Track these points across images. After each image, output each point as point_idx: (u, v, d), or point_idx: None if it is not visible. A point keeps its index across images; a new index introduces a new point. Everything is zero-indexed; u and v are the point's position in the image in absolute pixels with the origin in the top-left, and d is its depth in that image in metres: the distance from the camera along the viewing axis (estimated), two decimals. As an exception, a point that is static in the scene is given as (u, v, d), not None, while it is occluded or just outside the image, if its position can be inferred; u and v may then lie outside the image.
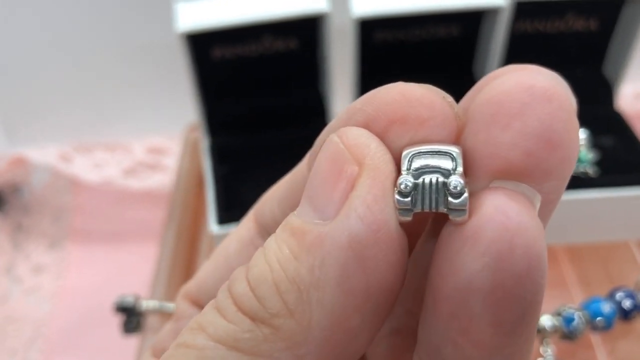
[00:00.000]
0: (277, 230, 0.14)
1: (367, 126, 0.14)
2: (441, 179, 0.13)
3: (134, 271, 0.51)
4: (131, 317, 0.39)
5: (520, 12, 0.42)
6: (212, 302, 0.15)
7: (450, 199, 0.13)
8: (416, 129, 0.13)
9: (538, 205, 0.13)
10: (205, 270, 0.19)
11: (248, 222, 0.19)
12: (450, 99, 0.14)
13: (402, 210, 0.13)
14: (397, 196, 0.13)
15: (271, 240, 0.14)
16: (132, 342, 0.41)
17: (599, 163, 0.42)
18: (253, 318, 0.13)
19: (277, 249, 0.14)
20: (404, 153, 0.14)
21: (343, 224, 0.13)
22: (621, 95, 0.47)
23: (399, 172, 0.14)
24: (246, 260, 0.17)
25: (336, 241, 0.13)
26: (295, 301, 0.13)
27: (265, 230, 0.18)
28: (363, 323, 0.13)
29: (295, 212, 0.14)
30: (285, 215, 0.15)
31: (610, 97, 0.46)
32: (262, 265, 0.14)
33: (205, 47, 0.42)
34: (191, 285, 0.20)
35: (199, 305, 0.19)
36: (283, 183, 0.17)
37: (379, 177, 0.13)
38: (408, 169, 0.13)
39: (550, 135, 0.12)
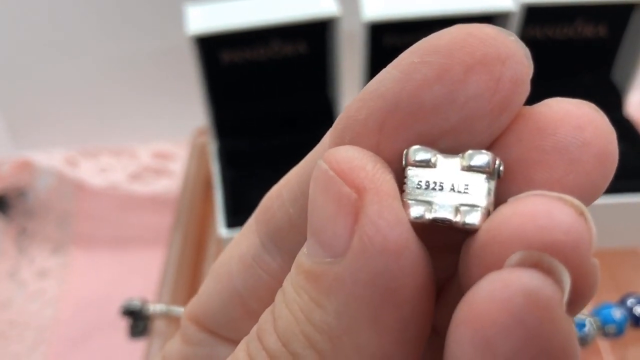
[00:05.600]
0: (292, 272, 0.13)
1: (439, 78, 0.12)
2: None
3: (138, 277, 0.51)
4: (138, 321, 0.39)
5: (530, 17, 0.42)
6: (243, 347, 0.13)
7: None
8: (500, 70, 0.12)
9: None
10: (209, 291, 0.18)
11: (249, 234, 0.16)
12: (514, 36, 0.12)
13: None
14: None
15: (288, 285, 0.13)
16: (136, 347, 0.41)
17: (608, 169, 0.42)
18: None
19: (297, 297, 0.12)
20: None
21: (360, 258, 0.11)
22: (630, 102, 0.46)
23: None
24: (250, 282, 0.16)
25: (357, 279, 0.11)
26: (330, 351, 0.12)
27: (272, 240, 0.16)
28: (405, 354, 0.12)
29: (304, 249, 0.13)
30: (304, 214, 0.13)
31: (619, 104, 0.46)
32: (287, 317, 0.12)
33: (215, 50, 0.42)
34: (196, 307, 0.18)
35: (207, 329, 0.18)
36: (293, 177, 0.15)
37: (386, 201, 0.11)
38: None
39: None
